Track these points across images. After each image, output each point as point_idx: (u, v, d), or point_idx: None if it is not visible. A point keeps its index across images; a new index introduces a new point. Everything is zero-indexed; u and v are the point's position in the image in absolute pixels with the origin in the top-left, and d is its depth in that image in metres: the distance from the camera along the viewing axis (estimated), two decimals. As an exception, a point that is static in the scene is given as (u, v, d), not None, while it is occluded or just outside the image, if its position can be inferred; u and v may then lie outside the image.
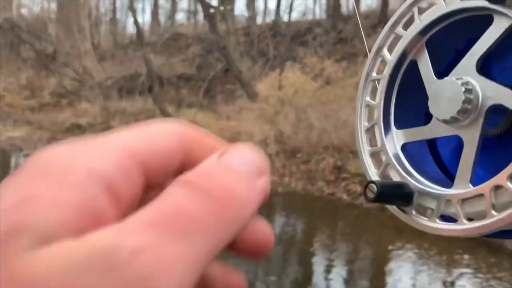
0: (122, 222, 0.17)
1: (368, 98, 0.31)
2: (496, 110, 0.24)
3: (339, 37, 14.26)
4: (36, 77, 14.39)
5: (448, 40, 0.27)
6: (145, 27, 18.19)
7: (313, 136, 9.50)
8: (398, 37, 0.29)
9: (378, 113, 0.29)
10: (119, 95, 12.46)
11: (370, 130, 0.30)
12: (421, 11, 0.28)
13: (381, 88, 0.30)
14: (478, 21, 0.24)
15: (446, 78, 0.25)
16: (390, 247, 6.01)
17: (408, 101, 0.28)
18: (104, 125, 10.97)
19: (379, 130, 0.29)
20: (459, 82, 0.24)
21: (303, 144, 9.57)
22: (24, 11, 19.55)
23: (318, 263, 5.46)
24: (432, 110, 0.26)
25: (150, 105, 11.82)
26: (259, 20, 17.02)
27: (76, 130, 11.14)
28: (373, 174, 0.30)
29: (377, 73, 0.31)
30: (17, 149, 9.94)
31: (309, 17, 17.40)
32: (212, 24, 12.90)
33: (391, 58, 0.29)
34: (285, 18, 16.93)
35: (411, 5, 0.28)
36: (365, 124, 0.30)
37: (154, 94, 11.63)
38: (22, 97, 13.92)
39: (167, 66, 14.53)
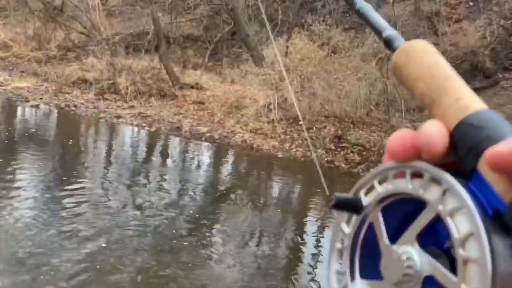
0: None
1: (336, 266, 0.34)
2: (432, 278, 0.29)
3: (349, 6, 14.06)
4: (43, 29, 14.30)
5: (399, 209, 0.32)
6: (154, -16, 17.84)
7: (316, 105, 9.61)
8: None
9: (346, 275, 0.33)
10: (126, 52, 12.44)
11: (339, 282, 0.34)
12: (381, 181, 0.33)
13: (346, 256, 0.34)
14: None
15: (393, 246, 0.30)
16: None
17: (371, 255, 0.33)
18: (110, 81, 11.03)
19: (346, 281, 0.34)
20: (402, 251, 0.29)
21: (305, 112, 9.69)
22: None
23: (312, 226, 5.67)
24: (382, 271, 0.31)
25: (156, 64, 11.84)
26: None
27: (83, 84, 11.22)
28: None
29: (341, 242, 0.34)
30: (24, 100, 10.04)
31: (321, -17, 17.05)
32: (221, -15, 12.73)
33: (348, 232, 0.34)
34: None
35: (371, 178, 0.33)
36: (335, 286, 0.34)
37: (160, 53, 11.62)
38: (29, 48, 13.89)
39: (175, 26, 14.42)
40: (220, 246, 4.63)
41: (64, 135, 8.37)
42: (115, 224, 4.66)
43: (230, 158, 8.55)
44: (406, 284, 0.29)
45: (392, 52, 0.36)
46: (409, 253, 0.29)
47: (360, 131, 9.06)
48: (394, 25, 11.34)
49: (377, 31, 0.39)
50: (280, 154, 8.60)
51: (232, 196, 6.32)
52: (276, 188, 7.15)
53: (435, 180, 0.29)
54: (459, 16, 12.17)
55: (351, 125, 9.35)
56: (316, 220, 5.85)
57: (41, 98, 10.24)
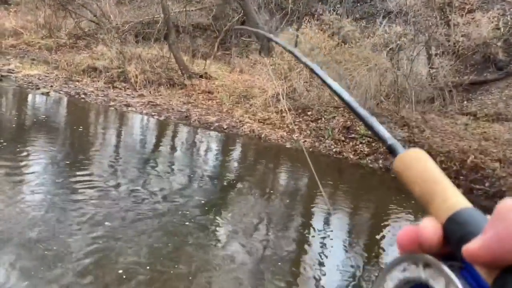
0: None
1: None
2: None
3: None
4: (54, 17, 14.35)
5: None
6: (164, -28, 17.78)
7: (325, 95, 9.56)
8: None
9: None
10: (135, 41, 12.45)
11: None
12: (398, 271, 0.38)
13: None
14: None
15: None
16: (390, 206, 6.25)
17: None
18: (119, 70, 11.07)
19: None
20: None
21: (314, 102, 9.65)
22: None
23: (318, 217, 5.69)
24: None
25: (165, 53, 11.84)
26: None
27: (92, 72, 11.27)
28: None
29: None
30: (34, 87, 10.12)
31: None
32: (232, -26, 12.64)
33: None
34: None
35: (390, 269, 0.38)
36: None
37: (170, 42, 11.62)
38: (39, 36, 13.96)
39: (184, 14, 14.38)
40: (227, 233, 4.66)
41: (74, 123, 8.44)
42: (123, 209, 4.71)
43: (238, 147, 8.57)
44: None
45: (394, 158, 0.43)
46: None
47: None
48: (405, 15, 11.21)
49: (383, 140, 0.47)
50: (288, 145, 8.60)
51: (240, 185, 6.35)
52: (283, 178, 7.16)
53: (436, 269, 0.35)
54: (472, 6, 11.98)
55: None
56: (322, 210, 5.87)
57: (51, 86, 10.31)
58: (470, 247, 0.33)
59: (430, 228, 0.36)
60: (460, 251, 0.34)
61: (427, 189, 0.39)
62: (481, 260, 0.32)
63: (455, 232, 0.35)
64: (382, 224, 5.82)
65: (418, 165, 0.41)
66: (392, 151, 0.44)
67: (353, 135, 8.78)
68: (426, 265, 0.35)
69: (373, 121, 0.50)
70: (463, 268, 0.34)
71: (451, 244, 0.35)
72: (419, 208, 5.17)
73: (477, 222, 0.35)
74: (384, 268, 0.39)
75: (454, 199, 0.37)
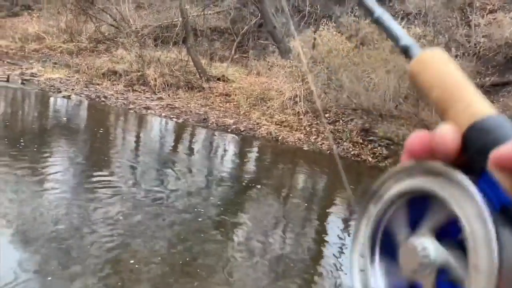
0: None
1: (360, 236, 0.37)
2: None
3: (379, -3, 13.81)
4: (75, 22, 14.63)
5: (418, 203, 0.34)
6: (182, -24, 17.96)
7: (343, 97, 9.51)
8: (381, 196, 0.36)
9: (367, 252, 0.36)
10: (154, 44, 12.60)
11: (360, 263, 0.37)
12: (399, 179, 0.35)
13: (368, 232, 0.36)
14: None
15: (410, 238, 0.33)
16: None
17: (391, 241, 0.36)
18: (139, 73, 11.21)
19: (366, 263, 0.36)
20: (418, 242, 0.32)
21: (332, 104, 9.61)
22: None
23: (335, 221, 5.64)
24: (400, 259, 0.34)
25: (184, 56, 11.95)
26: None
27: (112, 76, 11.45)
28: None
29: (367, 221, 0.37)
30: (56, 90, 10.33)
31: (349, -26, 16.80)
32: (249, -23, 12.70)
33: (374, 214, 0.36)
34: (324, -26, 16.39)
35: (392, 175, 0.35)
36: (356, 257, 0.37)
37: (188, 45, 11.72)
38: (61, 41, 14.24)
39: (202, 18, 14.50)
40: (243, 237, 4.67)
41: (94, 125, 8.58)
42: (142, 209, 4.77)
43: (255, 150, 8.58)
44: (422, 272, 0.32)
45: (409, 60, 0.38)
46: (425, 245, 0.32)
47: (388, 125, 8.92)
48: (424, 16, 11.08)
49: (395, 40, 0.41)
50: (305, 147, 8.57)
51: (257, 187, 6.36)
52: (301, 181, 7.14)
53: (448, 178, 0.32)
54: (493, 6, 11.77)
55: (379, 118, 9.22)
56: (340, 214, 5.83)
57: (72, 89, 10.51)
58: (501, 150, 0.30)
59: (448, 133, 0.33)
60: (479, 161, 0.31)
61: (448, 93, 0.35)
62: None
63: (477, 140, 0.32)
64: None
65: (438, 66, 0.36)
66: (406, 53, 0.39)
67: (371, 138, 8.71)
68: (436, 174, 0.32)
69: (382, 13, 0.42)
70: (480, 179, 0.31)
71: (469, 154, 0.32)
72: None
73: (505, 130, 0.32)
74: (385, 175, 0.36)
75: (479, 105, 0.34)
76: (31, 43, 14.21)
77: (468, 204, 0.30)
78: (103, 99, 10.11)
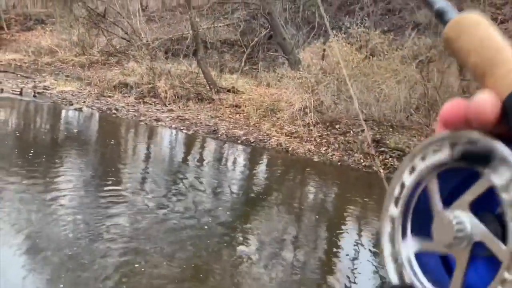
0: None
1: (391, 210, 0.35)
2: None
3: (387, 8, 13.83)
4: (87, 35, 14.86)
5: (453, 175, 0.33)
6: (192, -10, 18.20)
7: (353, 108, 9.47)
8: (414, 167, 0.34)
9: (398, 222, 0.35)
10: (165, 57, 12.72)
11: (391, 235, 0.35)
12: (434, 151, 0.33)
13: (401, 204, 0.35)
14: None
15: (445, 211, 0.32)
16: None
17: (423, 215, 0.34)
18: (150, 85, 11.31)
19: (398, 236, 0.35)
20: (454, 216, 0.31)
21: (342, 115, 9.57)
22: (76, -31, 19.95)
23: (348, 234, 5.57)
24: (434, 232, 0.32)
25: (194, 68, 12.03)
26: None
27: (124, 88, 11.56)
28: (391, 271, 0.35)
29: (399, 191, 0.35)
30: (68, 103, 10.45)
31: (359, -15, 16.87)
32: (259, -11, 12.80)
33: (408, 184, 0.34)
34: (333, -15, 16.49)
35: (427, 146, 0.33)
36: (388, 228, 0.35)
37: (199, 57, 11.81)
38: (73, 54, 14.46)
39: (212, 30, 14.62)
40: (254, 250, 4.63)
41: (106, 137, 8.64)
42: (152, 220, 4.76)
43: (265, 161, 8.56)
44: (457, 247, 0.30)
45: (444, 25, 0.36)
46: (461, 218, 0.30)
47: (400, 136, 8.85)
48: (435, 27, 11.03)
49: (429, 4, 0.38)
50: (315, 158, 8.52)
51: (267, 199, 6.32)
52: (311, 193, 7.08)
53: (488, 150, 0.30)
54: (505, 17, 11.70)
55: (390, 129, 9.15)
56: (352, 227, 5.75)
57: (84, 102, 10.62)
58: None
59: (486, 101, 0.30)
60: None
61: (487, 58, 0.32)
62: None
63: None
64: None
65: (477, 30, 0.34)
66: (441, 16, 0.37)
67: (382, 149, 8.63)
68: (473, 144, 0.31)
69: None
70: None
71: (510, 122, 0.30)
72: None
73: None
74: (418, 146, 0.34)
75: None
76: (44, 56, 14.45)
77: (509, 175, 0.28)
78: (114, 111, 10.19)
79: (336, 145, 8.95)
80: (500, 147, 0.29)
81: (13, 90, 10.83)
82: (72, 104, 10.41)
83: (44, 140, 7.95)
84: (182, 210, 5.27)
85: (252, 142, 9.00)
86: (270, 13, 12.57)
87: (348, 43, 10.46)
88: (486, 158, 0.30)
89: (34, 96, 10.76)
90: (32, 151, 6.78)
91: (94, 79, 12.08)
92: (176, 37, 14.10)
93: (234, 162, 8.19)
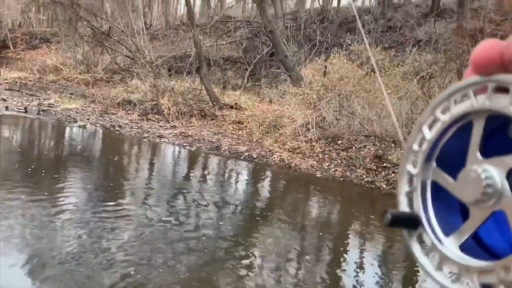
0: None
1: (409, 166, 0.33)
2: None
3: (388, 25, 13.99)
4: (91, 53, 15.05)
5: (484, 125, 0.30)
6: (196, 9, 18.52)
7: (355, 124, 9.51)
8: (436, 119, 0.32)
9: (417, 181, 0.33)
10: (168, 74, 12.86)
11: (408, 194, 0.33)
12: (456, 101, 0.31)
13: (420, 160, 0.33)
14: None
15: (472, 166, 0.29)
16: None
17: (447, 169, 0.32)
18: (153, 102, 11.41)
19: (416, 195, 0.33)
20: (482, 169, 0.28)
21: (344, 131, 9.61)
22: (82, -11, 20.34)
23: (351, 250, 5.54)
24: (459, 187, 0.30)
25: (197, 85, 12.15)
26: (307, 5, 16.92)
27: (127, 105, 11.66)
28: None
29: (418, 146, 0.33)
30: (72, 120, 10.54)
31: (358, 3, 17.12)
32: (261, 8, 13.00)
33: (429, 137, 0.32)
34: (334, 3, 16.74)
35: (449, 96, 0.31)
36: (406, 188, 0.33)
37: (202, 74, 11.94)
38: (78, 72, 14.63)
39: (215, 48, 14.79)
40: (256, 266, 4.61)
41: (109, 154, 8.69)
42: (155, 237, 4.76)
43: (268, 177, 8.56)
44: (484, 203, 0.28)
45: None
46: (491, 172, 0.28)
47: (402, 151, 8.85)
48: (435, 43, 11.14)
49: None
50: (318, 174, 8.53)
51: (270, 214, 6.31)
52: (314, 208, 7.07)
53: None
54: (505, 33, 11.80)
55: (392, 145, 9.17)
56: (355, 243, 5.73)
57: (88, 119, 10.71)
58: None
59: None
60: None
61: None
62: None
63: None
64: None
65: None
66: None
67: (385, 164, 8.64)
68: (501, 91, 0.28)
69: None
70: None
71: None
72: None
73: None
74: (443, 93, 0.32)
75: None
76: (49, 74, 14.62)
77: None
78: (117, 128, 10.27)
79: (339, 161, 8.97)
80: None
81: (18, 108, 10.95)
82: (76, 121, 10.50)
83: (48, 157, 8.01)
84: (185, 224, 5.28)
85: (255, 158, 9.03)
86: (272, 31, 12.73)
87: (350, 60, 10.56)
88: None
89: (39, 113, 10.86)
90: (36, 168, 6.82)
91: (98, 96, 12.20)
92: (180, 54, 14.27)
93: (237, 178, 8.21)
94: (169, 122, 10.81)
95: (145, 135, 9.93)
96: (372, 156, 8.83)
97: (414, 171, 0.33)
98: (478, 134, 0.30)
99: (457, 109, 0.31)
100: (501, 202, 0.28)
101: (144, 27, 13.10)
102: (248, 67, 14.28)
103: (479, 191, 0.28)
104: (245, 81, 13.60)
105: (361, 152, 9.01)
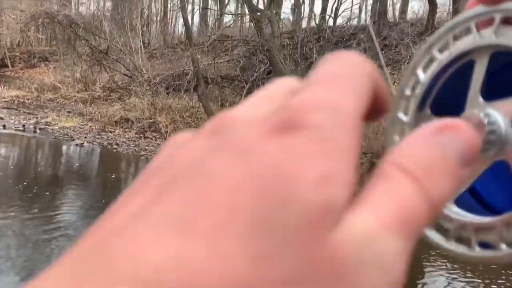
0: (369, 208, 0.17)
1: (400, 114, 0.30)
2: None
3: (384, 43, 14.16)
4: (90, 72, 15.13)
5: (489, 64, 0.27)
6: (194, 28, 18.75)
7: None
8: (433, 59, 0.29)
9: (409, 131, 0.29)
10: (166, 92, 12.92)
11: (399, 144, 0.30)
12: (456, 37, 0.28)
13: (413, 106, 0.29)
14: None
15: (473, 110, 0.26)
16: (422, 256, 5.98)
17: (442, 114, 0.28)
18: (151, 120, 11.43)
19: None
20: (486, 114, 0.25)
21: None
22: (82, 8, 20.63)
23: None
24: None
25: (195, 103, 12.19)
26: (304, 24, 17.14)
27: (125, 123, 11.67)
28: None
29: (411, 91, 0.30)
30: (69, 139, 10.52)
31: (354, 22, 17.35)
32: (258, 27, 13.16)
33: (423, 79, 0.29)
34: (330, 22, 16.96)
35: (448, 31, 0.28)
36: (396, 138, 0.29)
37: (199, 92, 11.99)
38: (75, 90, 14.68)
39: (213, 66, 14.91)
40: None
41: (106, 172, 8.65)
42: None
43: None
44: (485, 152, 0.25)
45: None
46: (494, 117, 0.25)
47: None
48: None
49: None
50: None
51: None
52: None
53: None
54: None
55: (390, 162, 9.18)
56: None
57: (85, 137, 10.70)
58: None
59: None
60: None
61: None
62: None
63: None
64: (414, 266, 5.56)
65: None
66: None
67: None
68: (507, 22, 0.25)
69: None
70: None
71: None
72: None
73: None
74: (442, 28, 0.28)
75: None
76: (46, 93, 14.66)
77: None
78: (115, 146, 10.25)
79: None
80: None
81: (15, 126, 10.94)
82: (73, 140, 10.48)
83: (44, 175, 7.97)
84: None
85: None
86: (269, 49, 12.86)
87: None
88: None
89: (35, 131, 10.85)
90: (32, 186, 6.78)
91: (95, 114, 12.22)
92: (177, 73, 14.36)
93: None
94: (166, 140, 10.79)
95: (142, 153, 9.91)
96: (371, 173, 8.81)
97: (405, 119, 0.29)
98: (481, 74, 0.26)
99: (458, 46, 0.27)
100: (504, 151, 0.24)
101: (142, 45, 13.19)
102: (245, 85, 14.37)
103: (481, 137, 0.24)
104: (243, 99, 13.65)
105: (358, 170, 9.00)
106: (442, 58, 0.28)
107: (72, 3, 18.03)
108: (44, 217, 5.52)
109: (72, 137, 10.65)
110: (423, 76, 0.29)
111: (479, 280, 4.87)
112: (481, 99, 0.26)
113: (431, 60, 0.29)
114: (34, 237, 4.88)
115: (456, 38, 0.28)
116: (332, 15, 17.15)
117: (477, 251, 0.25)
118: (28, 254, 4.47)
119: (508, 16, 0.25)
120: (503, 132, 0.24)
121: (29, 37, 19.81)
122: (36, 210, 5.72)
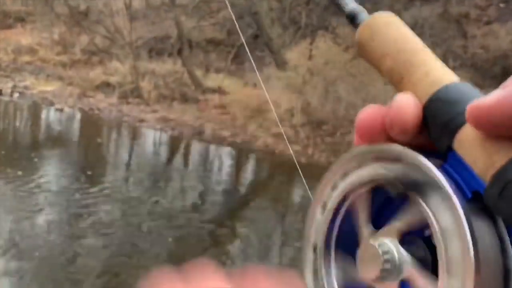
0: None
1: (313, 237, 0.31)
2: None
3: (376, 8, 13.88)
4: (68, 34, 14.56)
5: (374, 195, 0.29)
6: (177, -11, 17.99)
7: (340, 109, 9.42)
8: (336, 186, 0.30)
9: (321, 251, 0.30)
10: (149, 56, 12.53)
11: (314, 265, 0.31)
12: (355, 167, 0.29)
13: (323, 228, 0.30)
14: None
15: (369, 239, 0.27)
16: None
17: (350, 240, 0.30)
18: (133, 85, 11.10)
19: (321, 266, 0.30)
20: (378, 245, 0.26)
21: (329, 116, 9.52)
22: (58, -34, 19.56)
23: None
24: (359, 265, 0.28)
25: (179, 68, 11.87)
26: (292, -13, 16.64)
27: (106, 88, 11.32)
28: None
29: (321, 214, 0.31)
30: (49, 103, 10.20)
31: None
32: (245, -11, 12.70)
33: (330, 205, 0.30)
34: (319, -14, 16.49)
35: (345, 161, 0.30)
36: (310, 258, 0.31)
37: (183, 57, 11.65)
38: (54, 53, 14.14)
39: (197, 29, 14.46)
40: (241, 248, 4.57)
41: (87, 138, 8.43)
42: (137, 222, 4.65)
43: (252, 162, 8.45)
44: (387, 279, 0.26)
45: (356, 28, 0.32)
46: (387, 245, 0.26)
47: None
48: (421, 28, 11.06)
49: (340, 7, 0.34)
50: (303, 160, 8.44)
51: (254, 200, 6.24)
52: (298, 195, 7.01)
53: (408, 164, 0.26)
54: (490, 18, 11.80)
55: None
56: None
57: (65, 102, 10.37)
58: (485, 101, 0.21)
59: (407, 103, 0.25)
60: (444, 140, 0.25)
61: (403, 61, 0.29)
62: (496, 119, 0.21)
63: (441, 114, 0.25)
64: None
65: (390, 32, 0.30)
66: (353, 20, 0.33)
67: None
68: (393, 159, 0.26)
69: None
70: (446, 163, 0.25)
71: (432, 132, 0.26)
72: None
73: (473, 98, 0.24)
74: (334, 164, 0.30)
75: (440, 72, 0.27)
76: (24, 55, 14.10)
77: (434, 194, 0.24)
78: (96, 111, 9.96)
79: (323, 146, 8.89)
80: (422, 160, 0.25)
81: (-9, 90, 10.52)
82: (53, 104, 10.16)
83: (24, 141, 7.72)
84: (167, 210, 5.15)
85: (239, 143, 8.89)
86: (256, 12, 12.48)
87: (336, 43, 10.43)
88: (418, 185, 0.25)
89: (13, 95, 10.47)
90: (12, 152, 6.57)
91: (75, 78, 11.83)
92: (160, 36, 13.91)
93: (220, 164, 8.06)
94: (149, 106, 10.54)
95: (125, 119, 9.66)
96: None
97: (317, 240, 0.30)
98: (365, 209, 0.28)
99: (342, 186, 0.29)
100: (402, 271, 0.26)
101: (124, 6, 12.65)
102: (231, 49, 14.02)
103: (378, 268, 0.26)
104: (229, 64, 13.36)
105: (345, 138, 8.95)
106: (339, 189, 0.29)
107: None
108: (25, 182, 5.39)
109: (52, 101, 10.32)
110: (320, 218, 0.30)
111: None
112: (371, 228, 0.28)
113: (335, 186, 0.30)
114: (16, 201, 4.81)
115: (347, 170, 0.29)
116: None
117: None
118: (7, 221, 4.39)
119: (379, 156, 0.27)
120: (396, 257, 0.26)
121: (4, -5, 18.87)
122: (17, 175, 5.59)
